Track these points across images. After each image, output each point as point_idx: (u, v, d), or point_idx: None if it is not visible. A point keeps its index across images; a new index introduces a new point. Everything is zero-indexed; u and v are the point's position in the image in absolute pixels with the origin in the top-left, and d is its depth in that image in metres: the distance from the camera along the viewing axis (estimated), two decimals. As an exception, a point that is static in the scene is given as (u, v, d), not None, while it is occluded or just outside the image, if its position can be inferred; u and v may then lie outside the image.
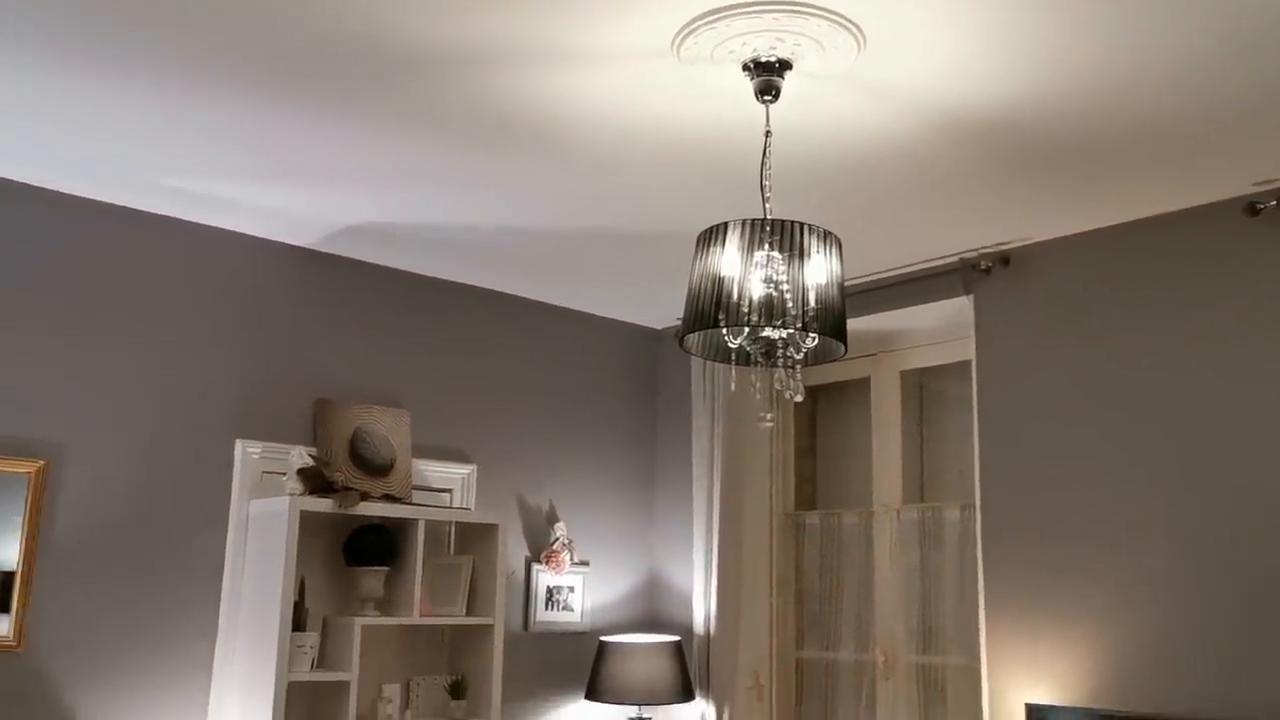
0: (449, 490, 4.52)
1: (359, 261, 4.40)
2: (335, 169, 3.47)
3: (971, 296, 4.13)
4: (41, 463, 3.55)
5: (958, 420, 4.61)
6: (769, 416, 2.52)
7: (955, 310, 4.26)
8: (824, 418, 5.15)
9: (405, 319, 4.52)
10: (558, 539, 4.77)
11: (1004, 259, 4.05)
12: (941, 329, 4.49)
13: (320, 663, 3.88)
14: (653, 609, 5.12)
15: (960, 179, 3.42)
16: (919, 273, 4.29)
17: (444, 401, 4.58)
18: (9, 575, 3.47)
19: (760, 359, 2.51)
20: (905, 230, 3.90)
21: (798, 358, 2.53)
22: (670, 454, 5.22)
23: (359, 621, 3.85)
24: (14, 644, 3.44)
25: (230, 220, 3.98)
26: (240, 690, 3.77)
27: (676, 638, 4.64)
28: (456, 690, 4.16)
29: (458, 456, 4.58)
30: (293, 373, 4.17)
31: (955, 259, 4.15)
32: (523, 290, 4.83)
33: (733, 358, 2.55)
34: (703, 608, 4.71)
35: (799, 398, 2.54)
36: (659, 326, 5.37)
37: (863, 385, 4.88)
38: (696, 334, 2.56)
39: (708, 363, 4.88)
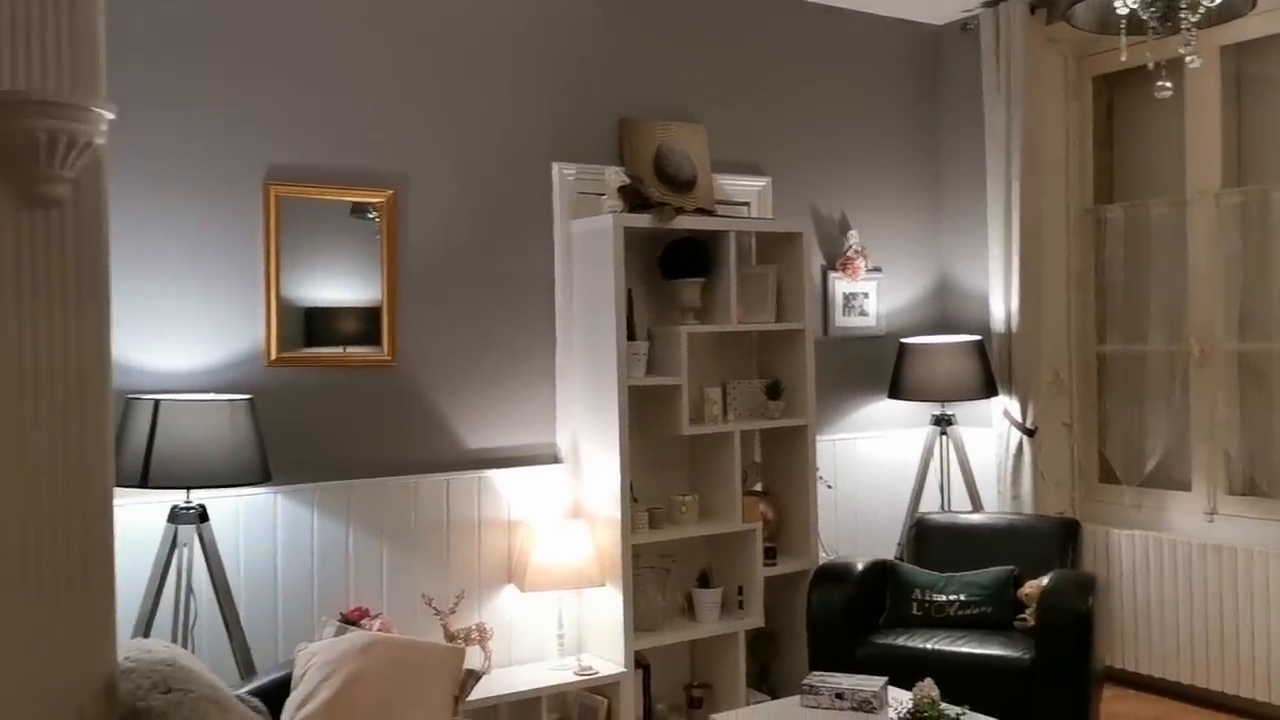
0: (746, 203, 4.58)
1: (646, -25, 4.36)
2: None
3: (1321, -48, 3.75)
4: (390, 192, 3.79)
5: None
6: (1167, 85, 2.41)
7: (1295, -29, 3.89)
8: (1121, 106, 4.88)
9: (691, 32, 4.47)
10: (851, 246, 4.81)
11: (1367, -96, 3.64)
12: (1274, -5, 4.11)
13: (649, 369, 4.12)
14: (944, 311, 5.15)
15: None
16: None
17: (735, 114, 4.58)
18: (377, 310, 3.79)
19: (1156, 24, 2.39)
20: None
21: (1194, 19, 2.40)
22: (955, 155, 5.10)
23: (684, 330, 4.05)
24: (390, 360, 3.80)
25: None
26: (582, 393, 4.07)
27: (978, 337, 4.69)
28: (773, 391, 4.36)
29: (752, 170, 4.62)
30: (595, 94, 4.23)
31: (1303, -89, 3.76)
32: (804, -7, 4.69)
33: (1123, 25, 2.44)
34: (1002, 306, 4.71)
35: (1197, 63, 2.42)
36: (939, 23, 5.14)
37: (1170, 67, 4.56)
38: (1083, 3, 2.45)
39: (1001, 56, 4.67)
